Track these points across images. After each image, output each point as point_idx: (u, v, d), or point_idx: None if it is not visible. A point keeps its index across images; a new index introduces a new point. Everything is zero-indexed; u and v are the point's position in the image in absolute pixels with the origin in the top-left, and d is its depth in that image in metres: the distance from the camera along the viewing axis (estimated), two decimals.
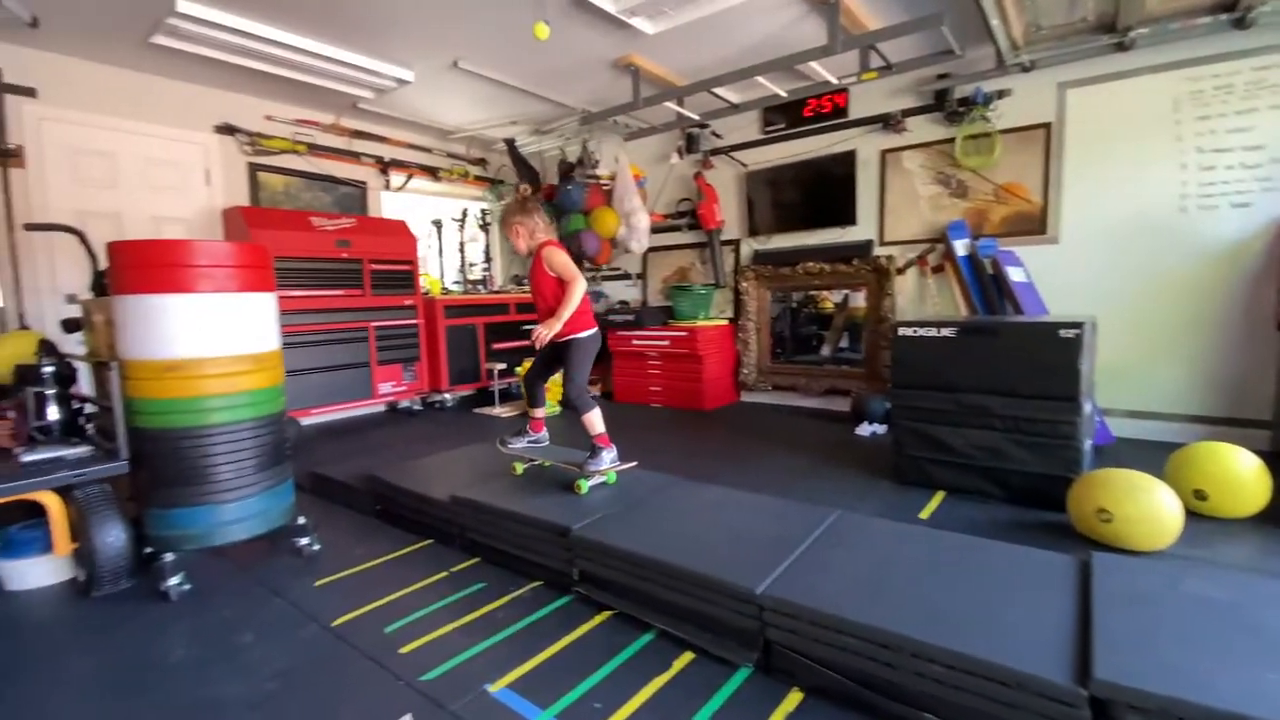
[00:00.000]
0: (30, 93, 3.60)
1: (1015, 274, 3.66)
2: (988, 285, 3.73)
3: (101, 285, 2.54)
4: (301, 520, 2.29)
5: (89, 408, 2.32)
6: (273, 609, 1.93)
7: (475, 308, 5.21)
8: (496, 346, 5.33)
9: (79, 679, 1.60)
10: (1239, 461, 2.38)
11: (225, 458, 2.04)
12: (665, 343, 4.84)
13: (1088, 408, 2.57)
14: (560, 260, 2.43)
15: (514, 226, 2.51)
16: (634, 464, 2.51)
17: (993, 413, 2.60)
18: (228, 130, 4.34)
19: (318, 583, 2.09)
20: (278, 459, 2.19)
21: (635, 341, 5.00)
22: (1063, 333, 2.45)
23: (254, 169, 4.49)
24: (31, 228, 2.60)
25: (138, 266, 1.94)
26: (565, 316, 2.37)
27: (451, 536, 2.36)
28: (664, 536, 1.87)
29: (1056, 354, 2.46)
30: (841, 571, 1.60)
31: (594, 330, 2.55)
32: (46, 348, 2.13)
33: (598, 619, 1.81)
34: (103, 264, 2.62)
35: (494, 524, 2.18)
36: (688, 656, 1.61)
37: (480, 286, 5.72)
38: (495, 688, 1.50)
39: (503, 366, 5.03)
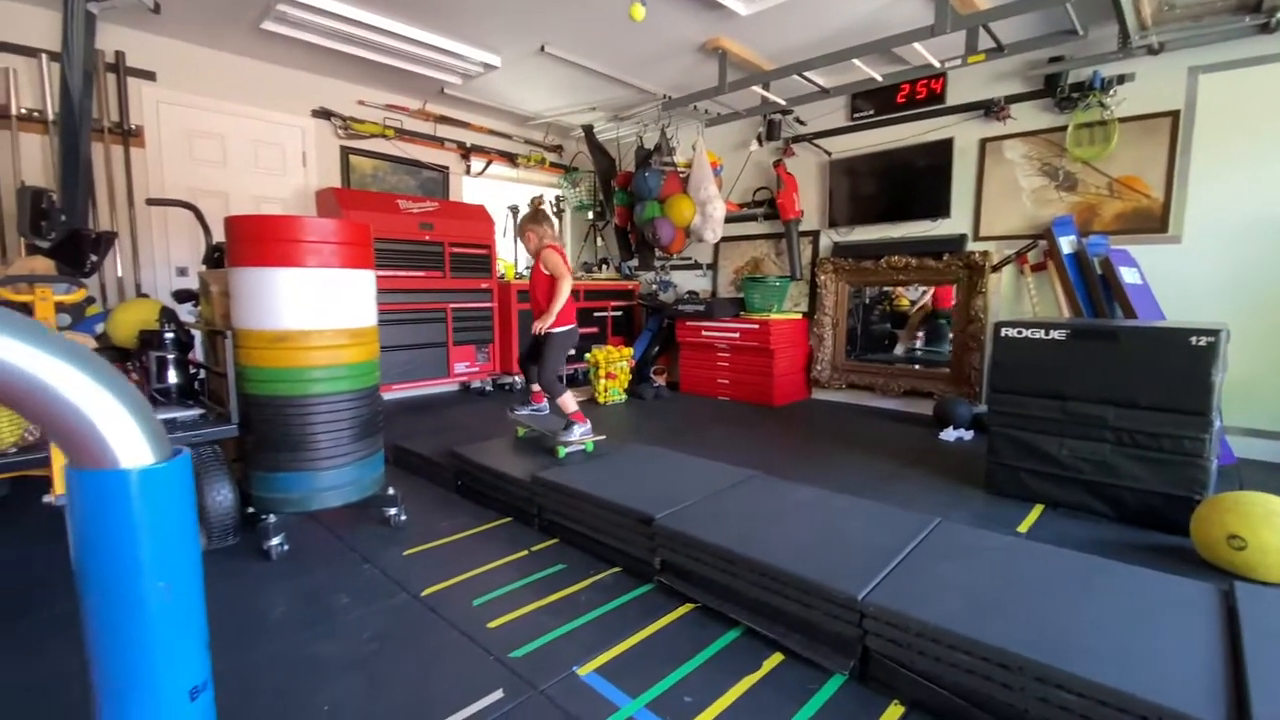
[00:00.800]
0: (150, 76, 3.85)
1: (1128, 275, 3.38)
2: (1095, 286, 3.46)
3: (214, 258, 2.69)
4: (390, 491, 2.37)
5: (204, 374, 2.47)
6: (364, 574, 2.00)
7: None
8: None
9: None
10: None
11: (325, 427, 2.11)
12: (735, 335, 4.74)
13: (1217, 424, 2.34)
14: (554, 260, 2.84)
15: (528, 231, 2.92)
16: (603, 436, 2.94)
17: (1106, 424, 2.41)
18: (324, 114, 4.52)
19: (406, 552, 2.15)
20: (371, 430, 2.26)
21: (705, 333, 4.93)
22: (1195, 340, 2.23)
23: (345, 152, 4.67)
24: (153, 202, 2.77)
25: (252, 240, 2.03)
26: (555, 310, 2.79)
27: (530, 516, 2.38)
28: (751, 532, 1.81)
29: (1187, 363, 2.25)
30: (950, 583, 1.51)
31: (570, 326, 2.94)
32: (168, 315, 2.26)
33: (681, 610, 1.78)
34: (216, 238, 2.78)
35: (575, 507, 2.18)
36: (777, 657, 1.56)
37: None
38: (584, 671, 1.49)
39: (571, 352, 5.05)
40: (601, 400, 4.67)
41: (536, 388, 3.09)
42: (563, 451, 2.77)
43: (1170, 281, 3.43)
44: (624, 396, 4.82)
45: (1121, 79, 3.48)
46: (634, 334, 5.80)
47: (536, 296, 2.95)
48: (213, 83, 4.06)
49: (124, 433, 0.69)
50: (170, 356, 2.21)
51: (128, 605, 0.71)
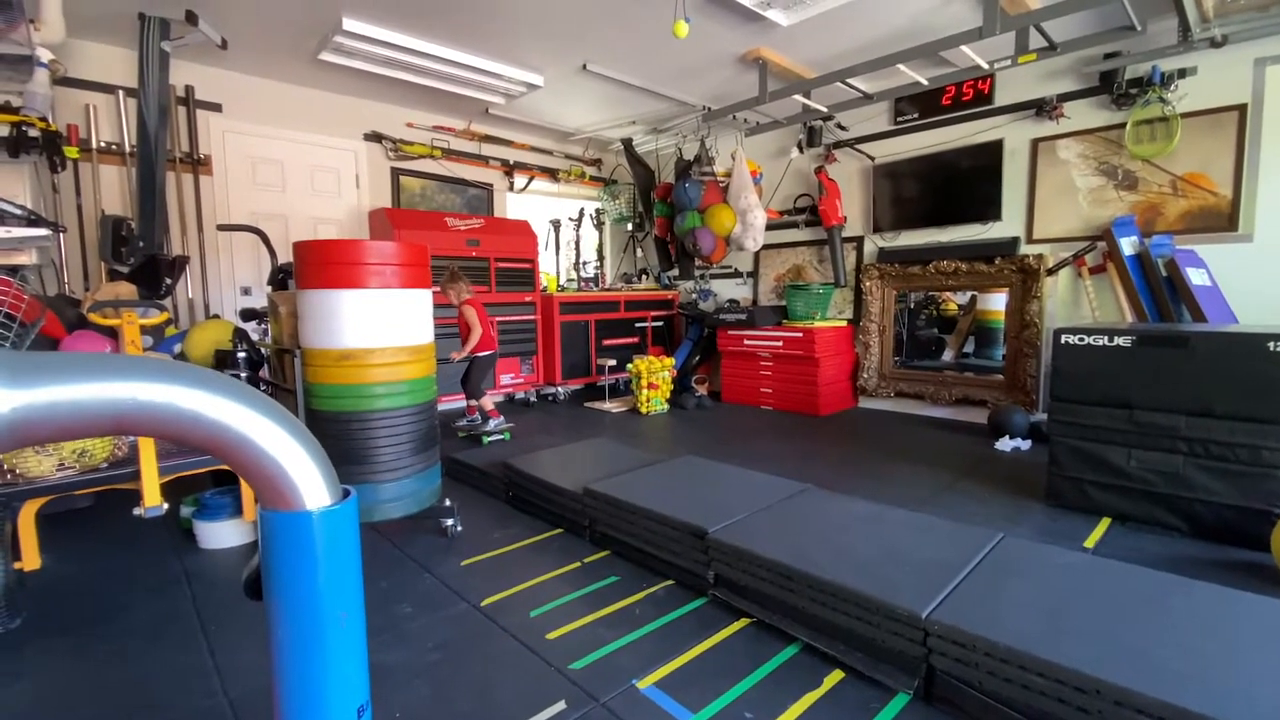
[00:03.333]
0: (217, 108, 4.08)
1: (1196, 276, 3.24)
2: (1160, 289, 3.32)
3: (279, 280, 2.83)
4: (447, 502, 2.43)
5: (271, 391, 2.59)
6: (425, 584, 2.06)
7: (587, 305, 5.34)
8: (606, 343, 5.43)
9: (262, 632, 1.78)
10: None
11: (386, 441, 2.19)
12: (778, 343, 4.71)
13: None
14: (470, 314, 3.74)
15: (447, 290, 3.74)
16: (512, 424, 3.94)
17: (1177, 434, 2.31)
18: (375, 138, 4.71)
19: (463, 563, 2.21)
20: (429, 444, 2.34)
21: (746, 341, 4.91)
22: (1273, 345, 2.12)
23: (395, 173, 4.84)
24: (224, 228, 2.94)
25: (318, 264, 2.13)
26: (467, 350, 3.75)
27: (582, 528, 2.41)
28: (806, 546, 1.80)
29: (1264, 369, 2.14)
30: (1018, 601, 1.47)
31: (490, 352, 3.91)
32: (240, 335, 2.39)
33: (736, 625, 1.78)
34: (280, 260, 2.92)
35: (627, 519, 2.20)
36: (838, 675, 1.54)
37: (592, 284, 5.85)
38: (643, 684, 1.51)
39: (613, 363, 5.11)
40: (644, 410, 4.69)
41: (472, 403, 3.95)
42: (486, 440, 3.68)
43: (1242, 282, 3.26)
44: (666, 406, 4.83)
45: (1182, 73, 3.35)
46: (674, 344, 5.82)
47: (462, 334, 3.86)
48: (273, 112, 4.27)
49: (308, 478, 0.77)
50: (243, 374, 2.33)
51: (309, 630, 0.78)
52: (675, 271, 5.79)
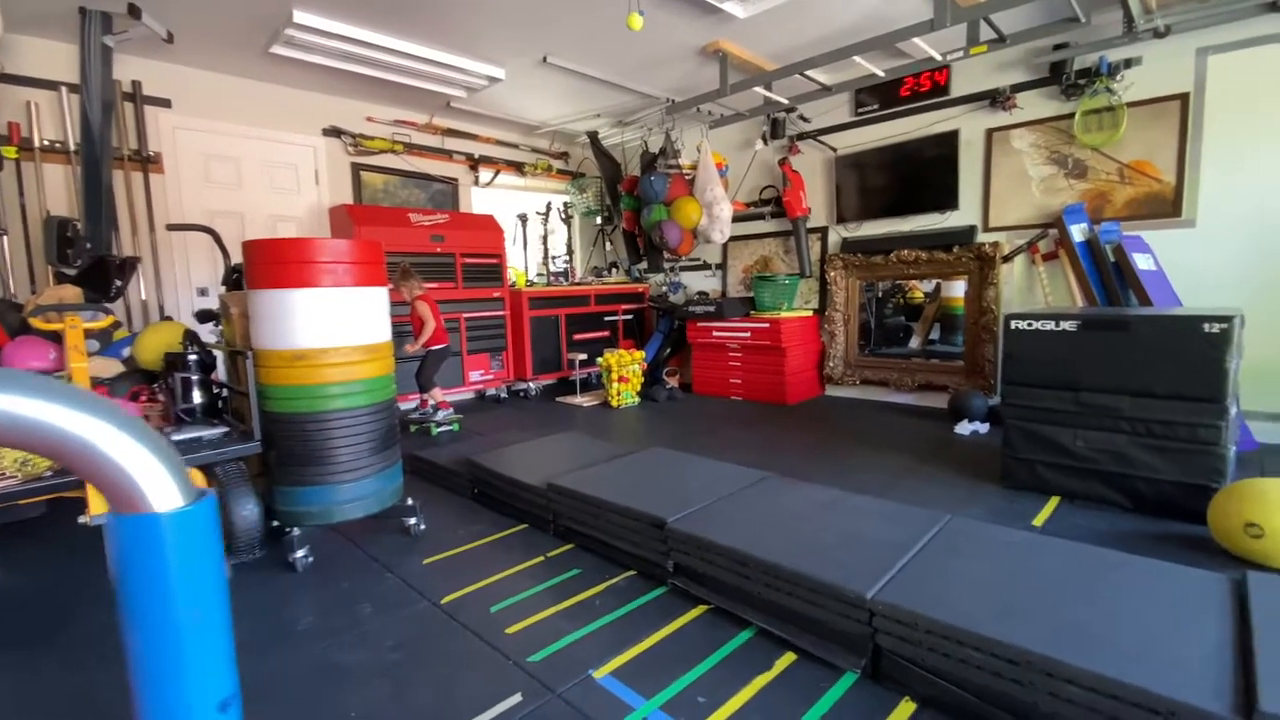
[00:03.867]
0: (166, 104, 3.97)
1: (1142, 261, 3.35)
2: (1109, 274, 3.43)
3: (233, 280, 2.77)
4: (409, 501, 2.42)
5: (226, 393, 2.55)
6: (387, 583, 2.05)
7: (557, 299, 5.32)
8: (577, 337, 5.42)
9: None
10: None
11: (344, 441, 2.17)
12: (746, 334, 4.76)
13: (1233, 411, 2.31)
14: (423, 309, 3.91)
15: (400, 287, 3.86)
16: (461, 416, 4.21)
17: (1120, 414, 2.40)
18: (334, 133, 4.62)
19: (425, 561, 2.21)
20: (389, 443, 2.32)
21: (715, 333, 4.95)
22: (1208, 327, 2.21)
23: (356, 168, 4.76)
24: (173, 228, 2.86)
25: (268, 263, 2.09)
26: (420, 344, 3.92)
27: (546, 522, 2.42)
28: (762, 533, 1.83)
29: (1200, 350, 2.23)
30: (960, 579, 1.52)
31: (444, 345, 4.06)
32: (191, 337, 2.34)
33: (694, 612, 1.81)
34: (234, 260, 2.85)
35: (589, 512, 2.21)
36: (790, 657, 1.58)
37: (562, 279, 5.83)
38: (599, 674, 1.53)
39: (583, 357, 5.11)
40: (615, 404, 4.70)
41: (424, 396, 4.11)
42: (435, 430, 3.96)
43: (1185, 267, 3.38)
44: (637, 400, 4.85)
45: (1128, 63, 3.44)
46: (645, 337, 5.84)
47: (415, 328, 4.00)
48: (226, 107, 4.16)
49: (155, 480, 0.77)
50: (194, 377, 2.29)
51: (162, 628, 0.79)
52: (644, 265, 5.80)
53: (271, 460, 2.21)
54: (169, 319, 3.79)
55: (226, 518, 2.16)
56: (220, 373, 2.65)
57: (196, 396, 2.30)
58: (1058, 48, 3.60)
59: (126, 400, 2.41)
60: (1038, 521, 2.36)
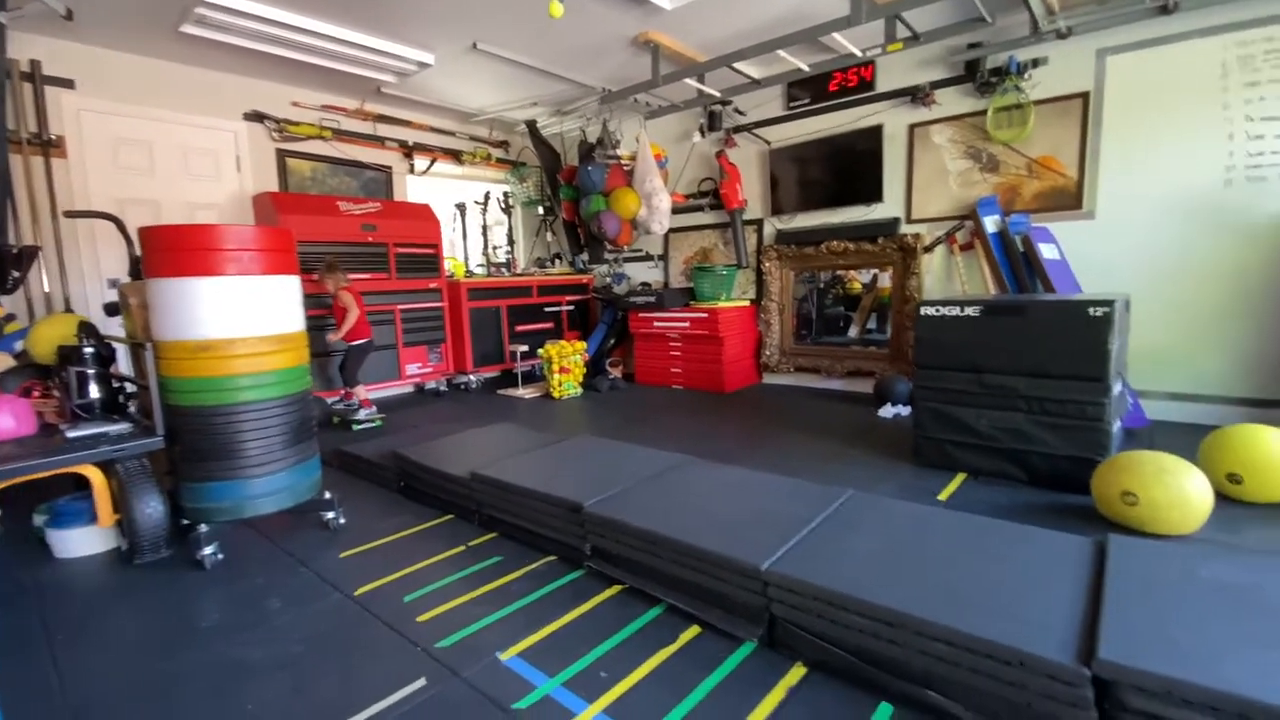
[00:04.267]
0: (69, 84, 3.74)
1: (1048, 251, 3.55)
2: (1018, 263, 3.62)
3: (139, 270, 2.64)
4: (327, 495, 2.38)
5: (130, 387, 2.44)
6: (300, 578, 2.02)
7: (498, 290, 5.27)
8: (519, 329, 5.39)
9: (121, 641, 1.71)
10: (1275, 444, 2.28)
11: (254, 434, 2.12)
12: (685, 324, 4.83)
13: (1117, 389, 2.49)
14: (347, 299, 3.96)
15: (325, 280, 3.97)
16: (383, 415, 4.12)
17: (1017, 394, 2.55)
18: (256, 117, 4.44)
19: (342, 554, 2.17)
20: (304, 436, 2.27)
21: (656, 323, 5.00)
22: (1092, 311, 2.37)
23: (282, 155, 4.59)
24: (71, 215, 2.71)
25: (168, 251, 2.02)
26: (342, 333, 3.97)
27: (471, 512, 2.42)
28: (674, 514, 1.88)
29: (1085, 333, 2.39)
30: (849, 550, 1.60)
31: (365, 339, 4.10)
32: (87, 329, 2.23)
33: (608, 593, 1.85)
34: (139, 250, 2.73)
35: (510, 500, 2.22)
36: (695, 630, 1.63)
37: (504, 269, 5.78)
38: (506, 656, 1.55)
39: (525, 349, 5.08)
40: (556, 395, 4.71)
41: (349, 390, 4.13)
42: (356, 427, 3.93)
43: (1088, 255, 3.60)
44: (579, 390, 4.86)
45: (1036, 63, 3.63)
46: (590, 328, 5.85)
47: (338, 321, 4.05)
48: (136, 89, 3.95)
49: None
50: (90, 371, 2.18)
51: None
52: (586, 255, 5.80)
53: (176, 455, 2.13)
54: (70, 312, 3.58)
55: (129, 516, 2.09)
56: (124, 366, 2.54)
57: (93, 391, 2.20)
58: (972, 46, 3.76)
59: (17, 395, 2.28)
60: (943, 496, 2.49)
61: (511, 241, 6.08)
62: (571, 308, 5.82)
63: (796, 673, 1.45)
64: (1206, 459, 2.40)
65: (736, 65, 3.83)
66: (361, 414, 4.00)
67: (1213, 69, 3.20)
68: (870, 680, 1.37)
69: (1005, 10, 3.47)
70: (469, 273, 5.48)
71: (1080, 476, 2.44)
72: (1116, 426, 2.51)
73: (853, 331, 4.88)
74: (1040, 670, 1.15)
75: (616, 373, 5.25)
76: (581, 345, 4.88)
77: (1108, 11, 3.36)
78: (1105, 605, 1.30)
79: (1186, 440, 2.76)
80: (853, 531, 1.71)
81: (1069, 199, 3.65)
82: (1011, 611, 1.31)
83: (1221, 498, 2.32)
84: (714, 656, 1.52)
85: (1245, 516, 2.20)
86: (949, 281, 4.07)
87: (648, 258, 5.77)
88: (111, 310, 3.01)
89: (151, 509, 2.07)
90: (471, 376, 5.15)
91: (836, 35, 3.28)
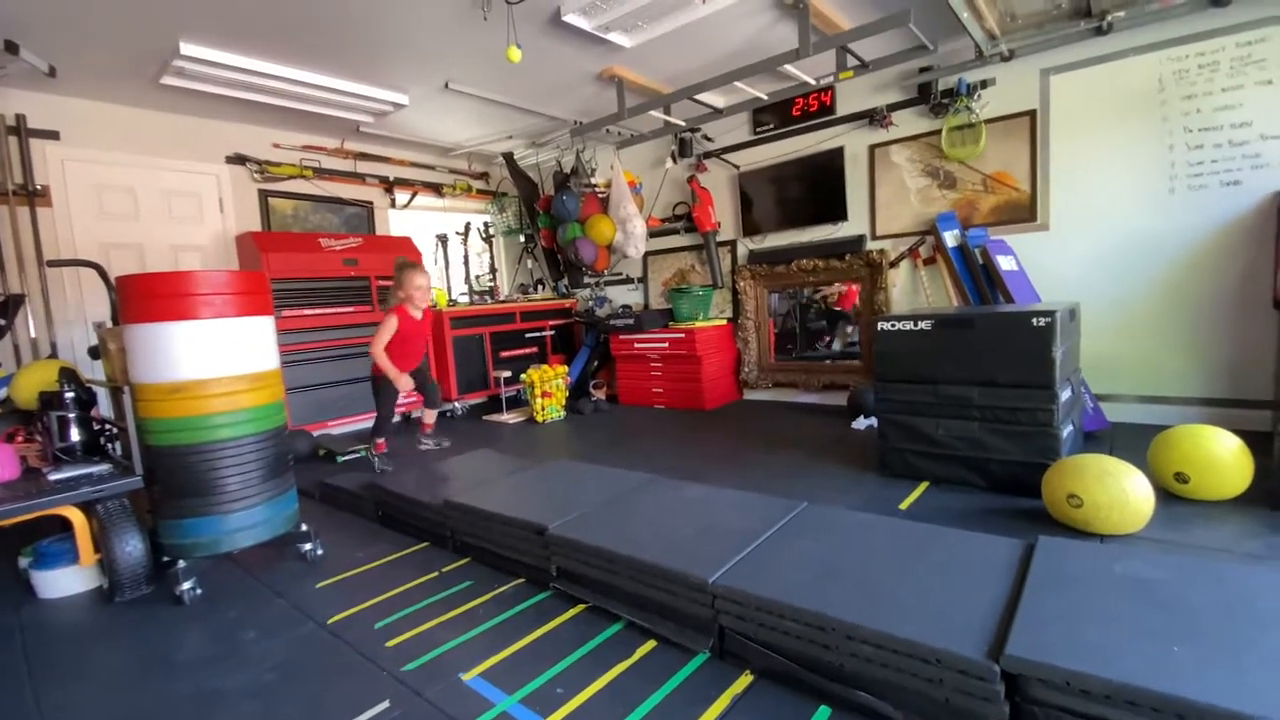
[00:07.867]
0: (54, 135, 3.86)
1: (1006, 263, 3.67)
2: (979, 275, 3.73)
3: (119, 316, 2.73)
4: (304, 527, 2.44)
5: (112, 429, 2.51)
6: (275, 609, 2.08)
7: (480, 318, 5.37)
8: (504, 354, 5.48)
9: (101, 676, 1.76)
10: (1219, 444, 2.37)
11: (230, 470, 2.19)
12: (665, 345, 4.92)
13: (1065, 395, 2.58)
14: (384, 321, 3.26)
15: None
16: (375, 447, 3.58)
17: (972, 403, 2.64)
18: (238, 160, 4.57)
19: (319, 584, 2.24)
20: (280, 470, 2.35)
21: (637, 345, 5.10)
22: (1036, 321, 2.48)
23: (264, 195, 4.72)
24: (53, 264, 2.81)
25: (143, 297, 2.11)
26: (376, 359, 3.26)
27: (445, 539, 2.48)
28: (634, 532, 1.96)
29: (1031, 343, 2.49)
30: (795, 560, 1.68)
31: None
32: (68, 375, 2.31)
33: (572, 612, 1.92)
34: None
35: (480, 525, 2.30)
36: (650, 644, 1.70)
37: (487, 297, 5.88)
38: (468, 676, 1.61)
39: (507, 374, 5.17)
40: (540, 419, 4.78)
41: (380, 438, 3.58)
42: (340, 459, 3.84)
43: (1044, 266, 3.73)
44: (563, 413, 4.94)
45: (984, 84, 3.78)
46: (575, 351, 5.94)
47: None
48: (119, 137, 4.08)
49: None
50: (71, 415, 2.26)
51: None
52: (566, 280, 5.91)
53: (155, 494, 2.20)
54: (54, 357, 3.66)
55: (110, 556, 2.15)
56: (105, 409, 2.61)
57: (74, 434, 2.27)
58: (923, 70, 3.93)
59: (1, 442, 2.35)
60: (905, 505, 2.57)
61: (494, 270, 6.20)
62: (554, 332, 5.92)
63: (743, 681, 1.52)
64: (1155, 459, 2.49)
65: (698, 96, 3.98)
66: (377, 461, 3.42)
67: (1150, 84, 3.36)
68: (809, 684, 1.44)
69: (948, 37, 3.63)
70: (452, 301, 5.58)
71: (1034, 481, 2.51)
72: (1068, 431, 2.59)
73: (836, 345, 4.97)
74: (954, 666, 1.23)
75: (600, 395, 5.33)
76: (563, 369, 4.97)
77: (1047, 34, 3.52)
78: (1022, 604, 1.38)
79: (1145, 441, 2.83)
80: (800, 541, 1.79)
81: (1024, 212, 3.78)
82: (938, 612, 1.39)
83: (1170, 497, 2.41)
84: (667, 668, 1.59)
85: (1192, 514, 2.28)
86: (915, 295, 4.19)
87: (628, 281, 5.88)
88: (96, 354, 3.09)
89: (131, 548, 2.14)
90: (456, 404, 5.22)
91: (789, 66, 3.42)
